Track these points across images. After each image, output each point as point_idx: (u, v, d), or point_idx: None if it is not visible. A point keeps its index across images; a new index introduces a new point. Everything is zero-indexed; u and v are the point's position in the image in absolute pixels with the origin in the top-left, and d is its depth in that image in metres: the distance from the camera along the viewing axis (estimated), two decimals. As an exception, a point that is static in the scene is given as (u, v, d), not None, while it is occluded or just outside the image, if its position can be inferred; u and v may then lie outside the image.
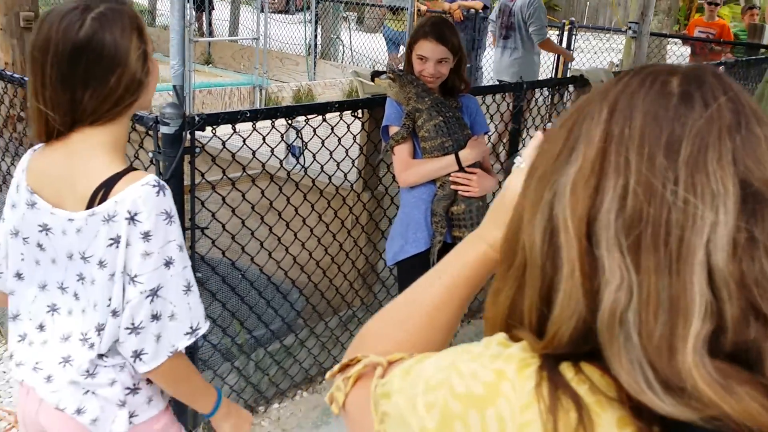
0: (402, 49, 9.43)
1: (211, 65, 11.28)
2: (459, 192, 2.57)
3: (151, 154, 2.56)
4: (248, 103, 8.50)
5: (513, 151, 3.58)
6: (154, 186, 1.34)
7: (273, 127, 2.70)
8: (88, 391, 1.43)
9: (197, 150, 2.56)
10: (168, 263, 1.36)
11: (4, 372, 3.36)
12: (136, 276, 1.34)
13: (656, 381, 0.53)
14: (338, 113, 2.87)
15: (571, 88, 3.99)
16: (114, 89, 1.36)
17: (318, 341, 3.18)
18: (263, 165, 2.73)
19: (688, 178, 0.56)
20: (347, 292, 3.26)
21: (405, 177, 2.60)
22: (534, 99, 3.91)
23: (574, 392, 0.57)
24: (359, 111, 3.06)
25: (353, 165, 3.17)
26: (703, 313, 0.53)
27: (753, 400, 0.51)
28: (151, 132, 2.56)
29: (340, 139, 2.93)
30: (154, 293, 1.35)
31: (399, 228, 2.69)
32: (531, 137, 4.10)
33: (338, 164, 2.99)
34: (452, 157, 2.53)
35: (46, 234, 1.43)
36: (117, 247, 1.33)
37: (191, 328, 1.42)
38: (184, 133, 2.50)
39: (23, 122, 3.58)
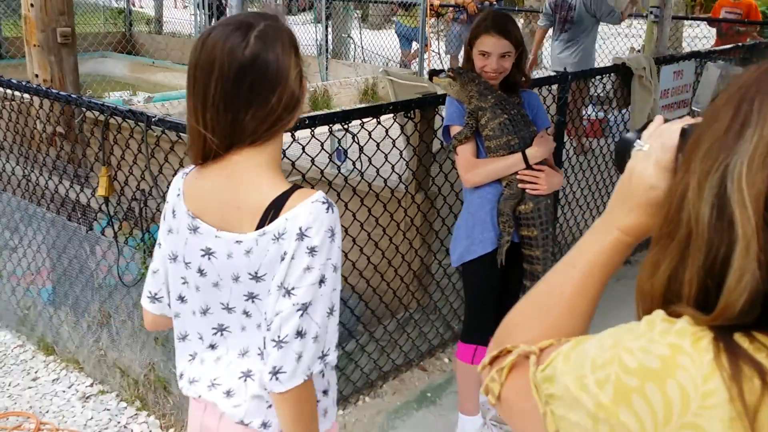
0: (415, 45, 9.33)
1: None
2: (526, 190, 2.47)
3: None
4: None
5: (559, 144, 3.47)
6: (324, 203, 1.31)
7: (331, 133, 2.61)
8: (271, 405, 1.41)
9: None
10: (321, 281, 1.31)
11: (64, 392, 3.29)
12: (293, 288, 1.30)
13: None
14: (392, 114, 2.79)
15: (612, 76, 3.89)
16: (274, 108, 1.32)
17: (378, 345, 3.09)
18: (322, 172, 2.64)
19: None
20: (404, 295, 3.17)
21: (470, 177, 2.50)
22: (579, 90, 3.81)
23: (755, 360, 0.57)
24: (412, 112, 2.96)
25: (406, 167, 3.07)
26: None
27: None
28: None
29: (394, 141, 2.85)
30: (304, 309, 1.30)
31: (464, 228, 2.60)
32: (575, 128, 4.01)
33: (393, 166, 2.90)
34: (519, 155, 2.44)
35: (209, 258, 1.39)
36: (283, 261, 1.30)
37: (322, 353, 1.35)
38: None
39: (62, 138, 3.49)
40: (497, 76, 2.49)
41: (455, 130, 2.52)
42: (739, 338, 0.59)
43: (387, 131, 2.83)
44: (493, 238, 2.52)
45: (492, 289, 2.59)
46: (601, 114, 4.07)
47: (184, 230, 1.41)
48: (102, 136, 3.01)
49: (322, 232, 1.29)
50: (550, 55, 6.72)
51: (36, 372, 3.47)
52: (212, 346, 1.47)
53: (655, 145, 0.82)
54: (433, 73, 2.60)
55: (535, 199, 2.48)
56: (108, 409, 3.15)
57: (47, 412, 3.16)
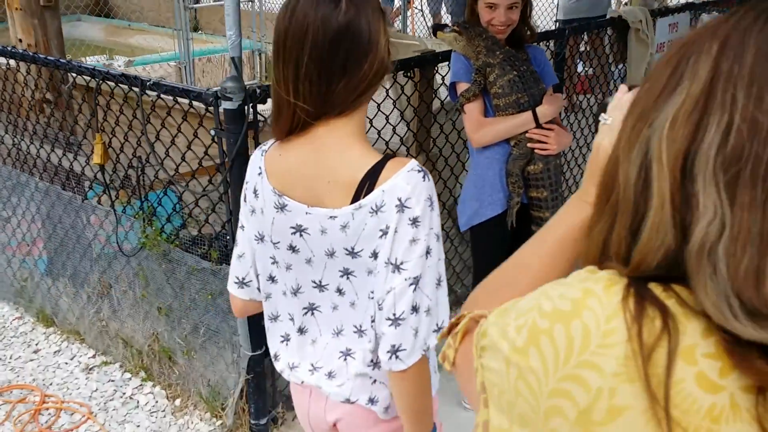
0: (397, 3, 9.08)
1: (200, 31, 10.83)
2: (536, 150, 2.39)
3: (213, 132, 2.35)
4: (248, 68, 8.16)
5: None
6: (419, 171, 1.25)
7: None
8: (375, 380, 1.38)
9: (260, 124, 2.36)
10: (428, 252, 1.25)
11: (67, 364, 3.20)
12: (402, 263, 1.23)
13: (741, 310, 0.52)
14: (391, 74, 2.66)
15: (609, 31, 3.77)
16: (366, 76, 1.25)
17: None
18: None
19: None
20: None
21: (479, 137, 2.41)
22: (576, 45, 3.70)
23: (661, 303, 0.56)
24: (412, 71, 2.84)
25: (407, 128, 2.96)
26: None
27: None
28: (210, 109, 2.35)
29: (395, 102, 2.73)
30: (416, 283, 1.24)
31: (472, 190, 2.51)
32: (574, 85, 3.88)
33: (394, 128, 2.79)
34: (529, 113, 2.34)
35: (300, 235, 1.33)
36: (385, 236, 1.24)
37: (437, 325, 1.29)
38: (246, 107, 2.29)
39: (50, 105, 3.32)
40: (505, 29, 2.37)
41: (462, 87, 2.42)
42: (654, 286, 0.58)
43: (387, 92, 2.71)
44: (503, 200, 2.44)
45: (502, 252, 2.51)
46: (590, 70, 3.98)
47: (270, 209, 1.34)
48: (94, 102, 2.86)
49: (422, 202, 1.23)
50: (559, 5, 6.12)
51: (37, 344, 3.37)
52: (301, 329, 1.42)
53: (618, 117, 0.77)
54: (437, 28, 2.48)
55: (545, 159, 2.40)
56: (112, 380, 3.07)
57: (51, 384, 3.07)
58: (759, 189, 0.54)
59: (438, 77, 2.96)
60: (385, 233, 1.23)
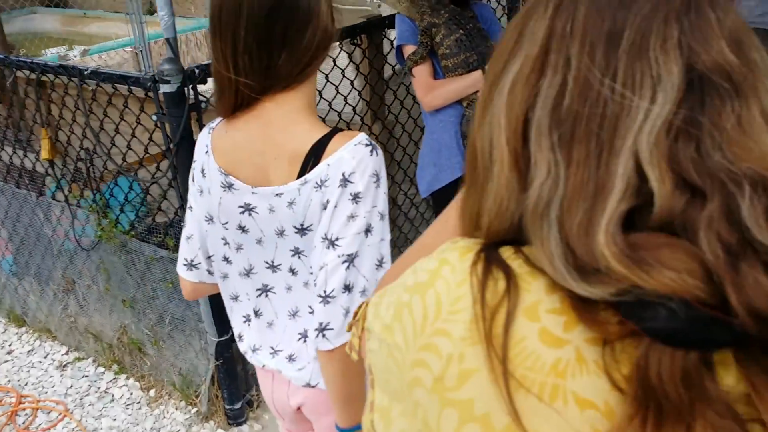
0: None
1: (155, 14, 10.54)
2: (488, 108, 2.30)
3: (155, 117, 2.23)
4: (206, 48, 7.95)
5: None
6: (367, 145, 1.18)
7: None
8: None
9: (203, 105, 2.25)
10: (368, 230, 1.17)
11: (41, 362, 3.11)
12: (337, 239, 1.16)
13: (574, 267, 0.51)
14: (337, 43, 2.55)
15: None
16: (309, 47, 1.19)
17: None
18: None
19: (627, 68, 0.53)
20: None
21: (429, 100, 2.31)
22: None
23: (506, 264, 0.55)
24: (359, 38, 2.73)
25: (359, 97, 2.86)
26: (621, 194, 0.50)
27: (668, 267, 0.47)
28: (150, 94, 2.23)
29: (343, 71, 2.63)
30: (351, 260, 1.16)
31: (429, 156, 2.42)
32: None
33: (345, 98, 2.69)
34: (479, 73, 2.24)
35: (249, 214, 1.26)
36: (325, 210, 1.17)
37: None
38: (186, 89, 2.17)
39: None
40: (449, -13, 2.27)
41: (409, 50, 2.31)
42: (504, 249, 0.57)
43: (334, 61, 2.60)
44: (461, 162, 2.36)
45: (462, 214, 2.44)
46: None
47: (216, 189, 1.27)
48: (37, 96, 2.72)
49: (366, 177, 1.16)
50: None
51: (10, 345, 3.27)
52: (257, 312, 1.37)
53: None
54: (380, -7, 2.36)
55: (498, 116, 2.31)
56: (86, 376, 2.99)
57: (26, 384, 2.99)
58: (592, 144, 0.53)
59: (387, 42, 2.85)
60: (324, 207, 1.17)
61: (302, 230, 1.22)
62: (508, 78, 0.58)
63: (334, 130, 1.20)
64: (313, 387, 1.34)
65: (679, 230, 0.49)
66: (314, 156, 1.17)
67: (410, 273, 0.62)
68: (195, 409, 2.66)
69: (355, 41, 2.71)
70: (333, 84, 2.59)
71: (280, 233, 1.24)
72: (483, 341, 0.53)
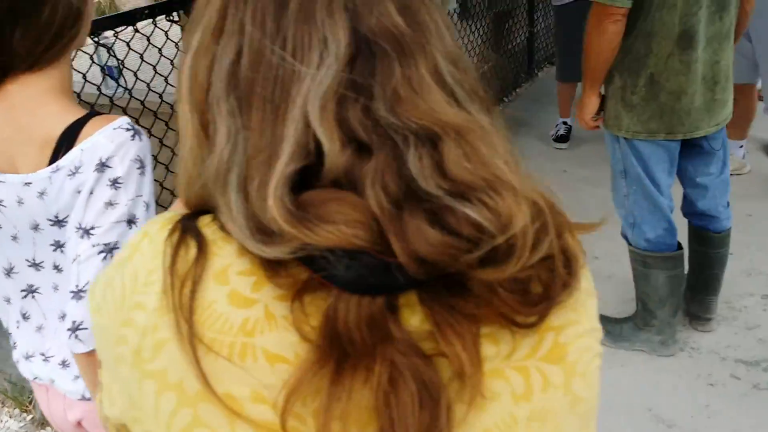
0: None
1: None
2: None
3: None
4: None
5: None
6: (129, 129, 1.08)
7: (98, 45, 2.21)
8: None
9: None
10: (131, 221, 1.07)
11: None
12: (92, 228, 1.05)
13: (254, 228, 0.51)
14: (151, 20, 2.41)
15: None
16: (49, 23, 1.08)
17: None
18: (78, 95, 2.24)
19: (296, 33, 0.53)
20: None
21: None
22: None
23: (199, 231, 0.55)
24: (175, 14, 2.58)
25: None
26: (289, 157, 0.51)
27: (327, 221, 0.49)
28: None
29: (160, 50, 2.48)
30: (109, 251, 1.05)
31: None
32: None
33: (166, 79, 2.55)
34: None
35: None
36: (78, 197, 1.06)
37: None
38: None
39: None
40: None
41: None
42: (203, 218, 0.57)
43: (149, 39, 2.45)
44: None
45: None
46: None
47: None
48: None
49: (127, 162, 1.06)
50: None
51: None
52: (24, 315, 1.24)
53: None
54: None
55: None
56: None
57: None
58: (267, 109, 0.53)
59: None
60: (77, 193, 1.07)
61: (58, 222, 1.11)
62: (192, 48, 0.58)
63: (91, 114, 1.10)
64: (89, 400, 1.22)
65: (349, 185, 0.51)
66: (67, 141, 1.07)
67: (120, 249, 0.61)
68: (30, 416, 2.50)
69: (171, 18, 2.56)
70: (149, 64, 2.45)
71: (35, 227, 1.13)
72: (171, 309, 0.53)
